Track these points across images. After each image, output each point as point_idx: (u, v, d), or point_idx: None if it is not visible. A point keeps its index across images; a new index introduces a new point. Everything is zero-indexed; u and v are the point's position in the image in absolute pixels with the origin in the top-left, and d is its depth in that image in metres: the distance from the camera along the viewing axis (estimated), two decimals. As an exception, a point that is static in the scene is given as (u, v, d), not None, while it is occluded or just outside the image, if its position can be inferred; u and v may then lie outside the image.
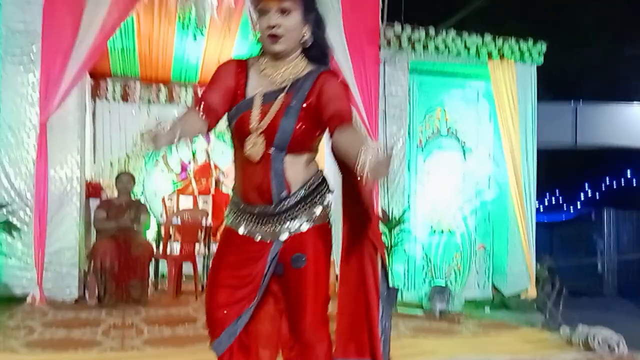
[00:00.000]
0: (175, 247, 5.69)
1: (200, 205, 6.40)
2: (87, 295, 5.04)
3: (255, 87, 1.71)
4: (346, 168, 1.54)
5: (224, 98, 1.71)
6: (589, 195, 13.83)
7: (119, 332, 3.94)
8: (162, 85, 7.97)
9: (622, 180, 12.32)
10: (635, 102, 10.12)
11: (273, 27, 1.63)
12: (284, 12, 1.63)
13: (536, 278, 6.04)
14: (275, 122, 1.64)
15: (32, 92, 4.99)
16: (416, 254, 6.21)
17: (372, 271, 1.74)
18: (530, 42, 6.48)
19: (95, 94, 7.60)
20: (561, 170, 11.37)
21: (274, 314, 1.80)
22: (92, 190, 5.78)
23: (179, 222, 5.55)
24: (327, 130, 1.65)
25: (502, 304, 5.91)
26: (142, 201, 5.78)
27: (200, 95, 1.73)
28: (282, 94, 1.67)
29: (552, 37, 6.78)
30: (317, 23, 1.72)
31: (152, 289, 5.47)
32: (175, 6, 6.04)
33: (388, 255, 5.50)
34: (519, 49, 6.44)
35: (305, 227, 1.72)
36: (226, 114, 1.72)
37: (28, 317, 4.29)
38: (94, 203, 5.50)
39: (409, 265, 6.16)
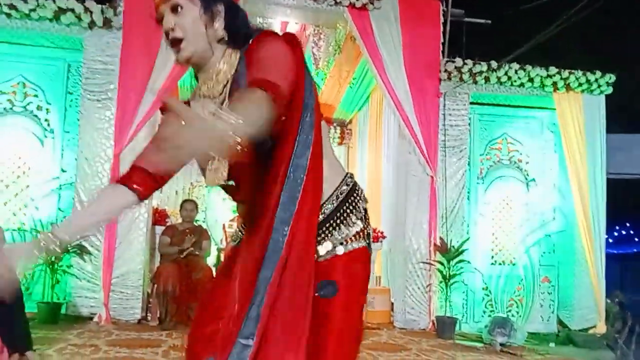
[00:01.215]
0: (234, 273, 5.82)
1: (259, 232, 6.58)
2: (149, 316, 5.26)
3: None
4: None
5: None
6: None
7: (179, 354, 4.04)
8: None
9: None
10: None
11: (168, 31, 1.37)
12: (175, 10, 1.36)
13: (606, 313, 5.68)
14: None
15: (108, 126, 5.36)
16: (476, 285, 6.04)
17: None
18: (598, 73, 6.31)
19: (164, 128, 8.07)
20: (632, 201, 10.74)
21: None
22: (159, 217, 6.06)
23: (238, 249, 5.71)
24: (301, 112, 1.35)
25: (568, 339, 5.58)
26: (204, 227, 6.00)
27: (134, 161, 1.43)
28: (226, 101, 1.38)
29: (621, 69, 6.57)
30: (229, 12, 1.42)
31: (210, 312, 5.60)
32: (242, 45, 6.39)
33: (446, 286, 5.38)
34: (587, 80, 6.28)
35: (340, 250, 1.40)
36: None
37: (94, 336, 4.50)
38: (160, 229, 5.76)
39: (468, 296, 6.00)
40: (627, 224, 13.86)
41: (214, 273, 5.63)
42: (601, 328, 5.68)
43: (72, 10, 5.22)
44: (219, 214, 7.98)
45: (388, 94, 5.90)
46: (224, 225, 6.90)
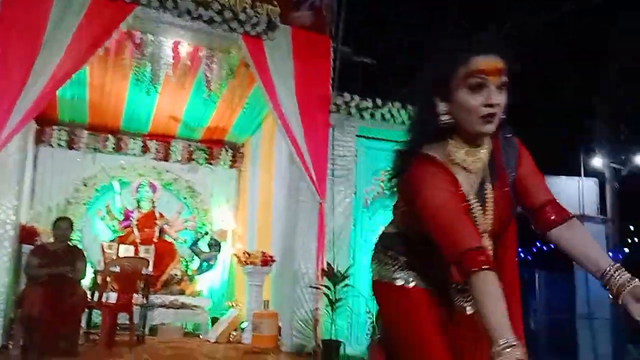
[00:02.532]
0: (112, 296, 5.47)
1: (142, 254, 6.23)
2: (10, 345, 4.71)
3: (463, 185, 1.49)
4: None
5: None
6: (522, 257, 14.44)
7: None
8: (110, 135, 7.94)
9: (552, 245, 12.96)
10: (562, 175, 10.90)
11: (492, 105, 1.41)
12: (501, 88, 1.43)
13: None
14: (500, 215, 1.51)
15: (-27, 133, 4.83)
16: (360, 309, 6.22)
17: None
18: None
19: (39, 139, 7.45)
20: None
21: None
22: (27, 235, 5.52)
23: (118, 271, 5.37)
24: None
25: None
26: (80, 248, 5.58)
27: (465, 242, 1.34)
28: (488, 182, 1.52)
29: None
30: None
31: (83, 339, 5.19)
32: (130, 61, 6.15)
33: (332, 310, 5.49)
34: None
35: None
36: None
37: (-58, 367, 3.97)
38: (28, 249, 5.25)
39: (353, 320, 6.14)
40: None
41: (89, 297, 5.25)
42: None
43: (-60, 4, 4.71)
44: (98, 234, 7.49)
45: (280, 122, 6.00)
46: (102, 245, 6.46)
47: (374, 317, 6.28)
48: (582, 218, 10.29)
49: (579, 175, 10.52)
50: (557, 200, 1.53)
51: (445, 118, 1.46)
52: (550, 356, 11.18)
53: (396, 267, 1.62)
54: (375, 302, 1.70)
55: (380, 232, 1.73)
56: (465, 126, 1.45)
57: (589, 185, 10.49)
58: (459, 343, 1.52)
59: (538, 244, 13.72)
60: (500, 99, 1.42)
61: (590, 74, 10.48)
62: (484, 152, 1.50)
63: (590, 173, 10.78)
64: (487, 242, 1.49)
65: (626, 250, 10.58)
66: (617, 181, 11.04)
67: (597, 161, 10.83)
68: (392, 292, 1.61)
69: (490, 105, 1.41)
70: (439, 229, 1.37)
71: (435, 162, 1.46)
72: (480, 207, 1.49)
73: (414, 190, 1.44)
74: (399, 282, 1.60)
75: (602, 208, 10.67)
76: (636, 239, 10.16)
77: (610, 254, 10.42)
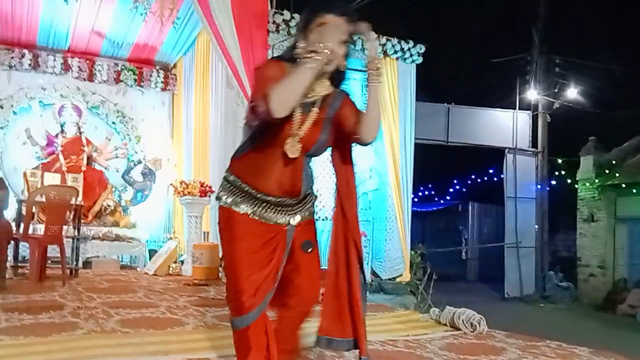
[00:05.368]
0: (39, 228, 5.13)
1: (70, 183, 5.83)
2: None
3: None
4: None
5: None
6: (457, 189, 15.06)
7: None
8: (26, 51, 7.19)
9: (485, 177, 13.55)
10: (497, 108, 11.19)
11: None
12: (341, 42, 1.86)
13: (410, 263, 6.39)
14: (314, 133, 1.85)
15: None
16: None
17: (355, 262, 1.98)
18: (411, 42, 6.82)
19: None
20: (434, 165, 12.16)
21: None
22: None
23: (44, 200, 5.00)
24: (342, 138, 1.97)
25: (379, 288, 6.16)
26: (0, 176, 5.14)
27: (260, 89, 1.73)
28: (315, 108, 1.86)
29: (429, 41, 7.19)
30: (348, 54, 1.95)
31: (11, 273, 4.88)
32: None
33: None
34: (401, 48, 6.74)
35: (308, 218, 1.97)
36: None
37: None
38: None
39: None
40: (430, 185, 15.83)
41: (14, 229, 4.89)
42: (406, 277, 6.38)
43: None
44: (20, 161, 6.94)
45: (215, 40, 5.62)
46: (25, 173, 5.95)
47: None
48: (515, 151, 10.76)
49: (514, 108, 10.88)
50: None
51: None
52: (481, 282, 12.00)
53: (233, 193, 1.89)
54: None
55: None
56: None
57: (523, 118, 10.91)
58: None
59: (473, 177, 14.27)
60: (341, 50, 1.86)
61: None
62: (319, 87, 1.88)
63: (525, 107, 11.16)
64: (296, 144, 1.82)
65: (553, 182, 11.16)
66: (548, 114, 11.43)
67: (532, 94, 11.14)
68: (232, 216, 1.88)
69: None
70: (256, 85, 1.84)
71: (276, 61, 1.91)
72: (299, 115, 1.83)
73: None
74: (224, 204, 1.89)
75: (534, 141, 11.16)
76: (563, 172, 10.68)
77: (539, 186, 11.01)
